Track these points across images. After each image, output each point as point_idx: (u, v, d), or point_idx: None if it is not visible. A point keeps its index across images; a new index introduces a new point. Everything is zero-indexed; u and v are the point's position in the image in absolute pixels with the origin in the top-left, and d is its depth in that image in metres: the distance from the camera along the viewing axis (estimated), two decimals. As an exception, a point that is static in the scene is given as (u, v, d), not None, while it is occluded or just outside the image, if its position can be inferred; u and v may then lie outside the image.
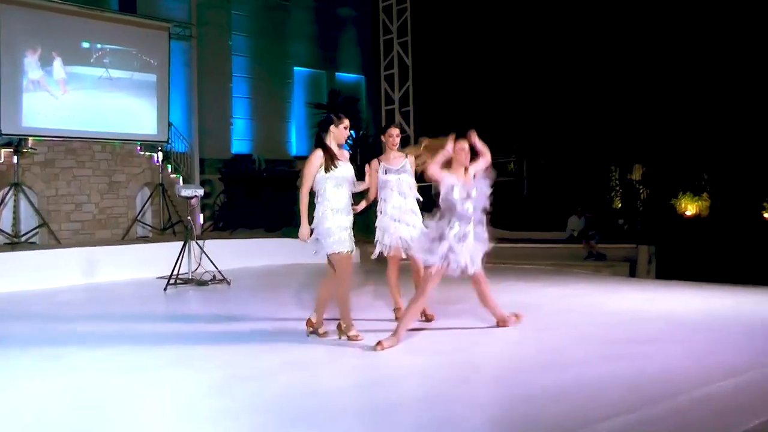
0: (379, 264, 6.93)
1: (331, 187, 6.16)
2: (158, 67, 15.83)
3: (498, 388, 5.05)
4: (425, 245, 6.29)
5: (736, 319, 7.11)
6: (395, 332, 6.09)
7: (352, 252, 6.24)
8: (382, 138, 7.27)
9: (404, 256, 7.13)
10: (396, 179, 7.05)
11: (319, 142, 6.29)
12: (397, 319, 6.83)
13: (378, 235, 7.13)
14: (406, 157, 7.14)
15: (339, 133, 6.29)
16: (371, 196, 7.21)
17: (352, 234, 6.27)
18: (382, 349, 5.87)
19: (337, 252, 6.13)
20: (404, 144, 7.78)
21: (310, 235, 6.20)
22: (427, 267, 6.20)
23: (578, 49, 20.84)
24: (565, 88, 21.04)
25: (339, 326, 6.46)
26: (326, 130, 6.30)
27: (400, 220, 7.01)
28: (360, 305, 7.61)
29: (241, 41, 21.49)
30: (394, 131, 7.19)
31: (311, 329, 6.57)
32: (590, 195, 19.88)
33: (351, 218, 6.27)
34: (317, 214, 6.18)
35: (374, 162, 7.22)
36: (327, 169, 6.16)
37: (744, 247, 14.46)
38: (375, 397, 4.83)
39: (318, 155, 6.19)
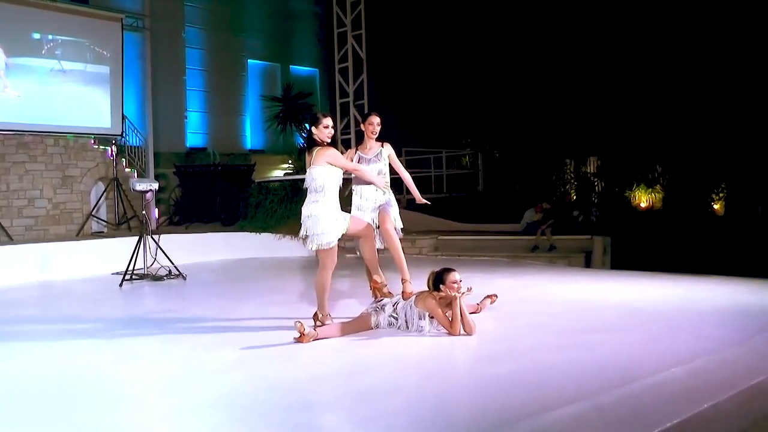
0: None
1: (333, 183, 6.29)
2: (111, 59, 15.55)
3: (451, 378, 5.09)
4: None
5: (687, 307, 7.26)
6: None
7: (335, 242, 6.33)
8: (362, 126, 7.23)
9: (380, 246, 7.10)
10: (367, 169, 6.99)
11: (313, 143, 6.37)
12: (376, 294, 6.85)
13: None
14: (383, 146, 7.14)
15: (320, 134, 6.36)
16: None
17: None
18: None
19: (325, 245, 6.22)
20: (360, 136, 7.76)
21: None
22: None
23: (532, 42, 21.01)
24: (520, 80, 21.19)
25: (315, 316, 6.52)
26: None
27: (369, 210, 7.01)
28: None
29: (194, 33, 21.23)
30: (375, 119, 7.10)
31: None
32: (545, 187, 20.08)
33: (340, 212, 6.36)
34: (318, 203, 6.24)
35: (351, 150, 7.26)
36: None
37: (694, 238, 14.74)
38: (331, 390, 4.89)
39: (334, 150, 6.37)
